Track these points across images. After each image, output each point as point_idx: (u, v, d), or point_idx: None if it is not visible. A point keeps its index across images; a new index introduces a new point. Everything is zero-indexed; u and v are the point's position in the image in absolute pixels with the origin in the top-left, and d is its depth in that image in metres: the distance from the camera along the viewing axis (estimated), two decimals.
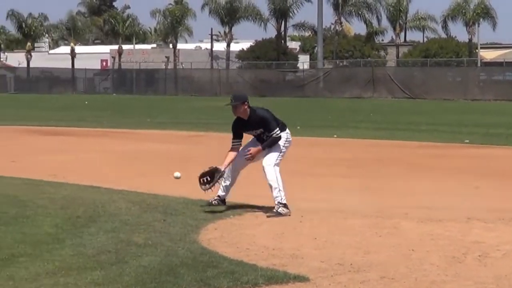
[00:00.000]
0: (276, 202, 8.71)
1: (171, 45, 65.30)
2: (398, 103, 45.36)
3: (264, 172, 8.84)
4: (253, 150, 8.86)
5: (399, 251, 7.13)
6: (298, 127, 19.86)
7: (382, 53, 62.50)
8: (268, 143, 8.85)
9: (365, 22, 61.00)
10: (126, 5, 77.34)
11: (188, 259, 6.57)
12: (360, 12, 60.20)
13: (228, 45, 62.21)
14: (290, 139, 9.16)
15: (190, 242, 7.36)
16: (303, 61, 60.70)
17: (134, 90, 60.90)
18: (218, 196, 9.01)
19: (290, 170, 12.23)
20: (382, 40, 65.85)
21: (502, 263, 6.64)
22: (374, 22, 61.61)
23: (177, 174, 9.84)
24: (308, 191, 11.13)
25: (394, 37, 62.64)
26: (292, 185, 10.28)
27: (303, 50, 65.96)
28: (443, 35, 61.14)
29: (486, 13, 57.57)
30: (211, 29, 68.12)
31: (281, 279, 6.00)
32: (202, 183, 8.90)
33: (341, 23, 60.16)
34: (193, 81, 58.11)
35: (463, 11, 57.13)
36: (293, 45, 68.34)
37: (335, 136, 20.75)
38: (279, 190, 8.72)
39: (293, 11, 61.52)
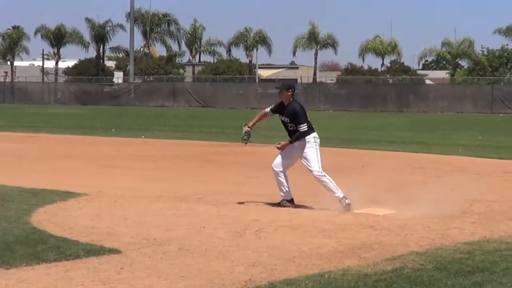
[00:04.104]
0: (339, 200, 9.57)
1: (9, 62, 77.99)
2: (194, 111, 53.57)
3: (318, 182, 9.68)
4: (283, 143, 9.78)
5: (193, 228, 8.44)
6: (113, 130, 26.69)
7: (181, 71, 75.23)
8: (295, 137, 9.64)
9: (166, 46, 74.88)
10: None
11: (21, 237, 7.57)
12: (162, 39, 73.99)
13: (57, 63, 76.42)
14: (318, 141, 9.86)
15: (23, 223, 8.41)
16: (118, 77, 73.31)
17: None
18: (285, 200, 9.92)
19: (107, 164, 15.47)
20: (181, 60, 79.75)
21: (274, 236, 8.08)
22: (175, 47, 75.38)
23: None
24: (121, 180, 12.84)
25: (191, 58, 76.40)
26: (107, 175, 12.66)
27: (118, 68, 78.92)
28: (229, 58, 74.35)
29: (263, 41, 71.37)
30: (43, 50, 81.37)
31: (98, 251, 7.02)
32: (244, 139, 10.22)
33: (148, 46, 73.56)
34: (27, 92, 68.60)
35: (245, 39, 70.30)
36: (110, 63, 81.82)
37: (143, 136, 24.33)
38: (336, 190, 9.59)
39: (110, 37, 75.19)
